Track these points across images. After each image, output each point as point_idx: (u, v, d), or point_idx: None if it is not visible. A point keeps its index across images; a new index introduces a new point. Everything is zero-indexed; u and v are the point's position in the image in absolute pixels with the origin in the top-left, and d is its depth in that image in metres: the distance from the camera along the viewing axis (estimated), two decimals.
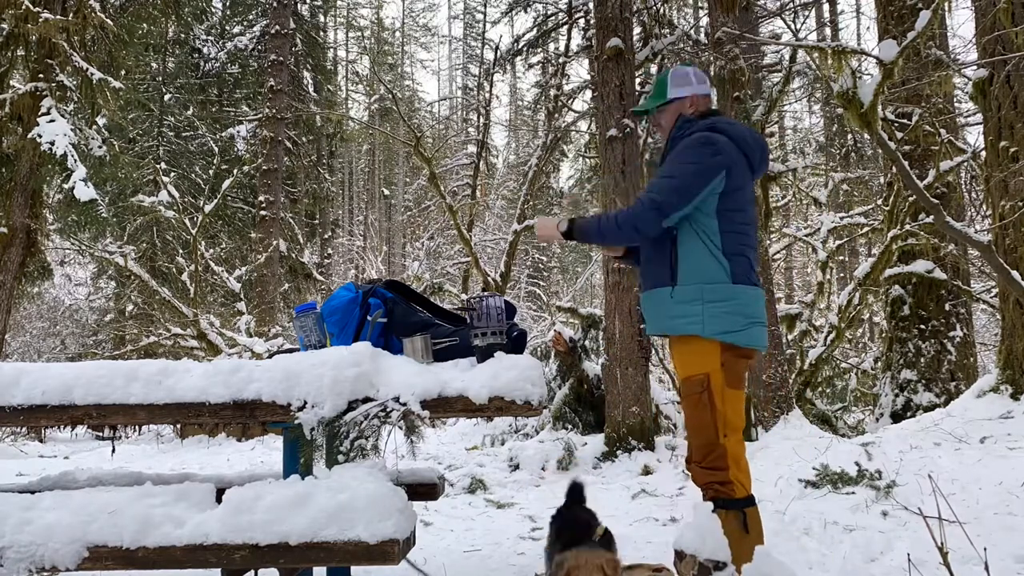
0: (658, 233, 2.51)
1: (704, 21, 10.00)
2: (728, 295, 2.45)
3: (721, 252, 2.47)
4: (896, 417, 7.13)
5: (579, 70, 28.74)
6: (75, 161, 8.70)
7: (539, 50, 12.88)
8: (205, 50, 19.53)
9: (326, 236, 23.41)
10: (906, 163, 4.19)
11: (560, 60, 12.78)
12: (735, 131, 2.56)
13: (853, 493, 3.98)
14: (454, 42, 36.56)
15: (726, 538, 2.30)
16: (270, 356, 2.67)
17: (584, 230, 2.66)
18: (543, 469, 6.28)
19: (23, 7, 8.41)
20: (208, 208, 12.47)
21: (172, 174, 16.33)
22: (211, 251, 16.23)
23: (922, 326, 7.36)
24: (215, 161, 15.29)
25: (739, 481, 2.42)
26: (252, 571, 2.52)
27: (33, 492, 2.37)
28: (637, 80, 8.26)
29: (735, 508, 2.39)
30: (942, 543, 1.61)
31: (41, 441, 11.74)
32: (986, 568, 1.76)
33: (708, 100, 2.71)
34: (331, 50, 27.98)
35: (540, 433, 7.48)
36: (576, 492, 2.66)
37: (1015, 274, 4.29)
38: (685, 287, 2.48)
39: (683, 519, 4.17)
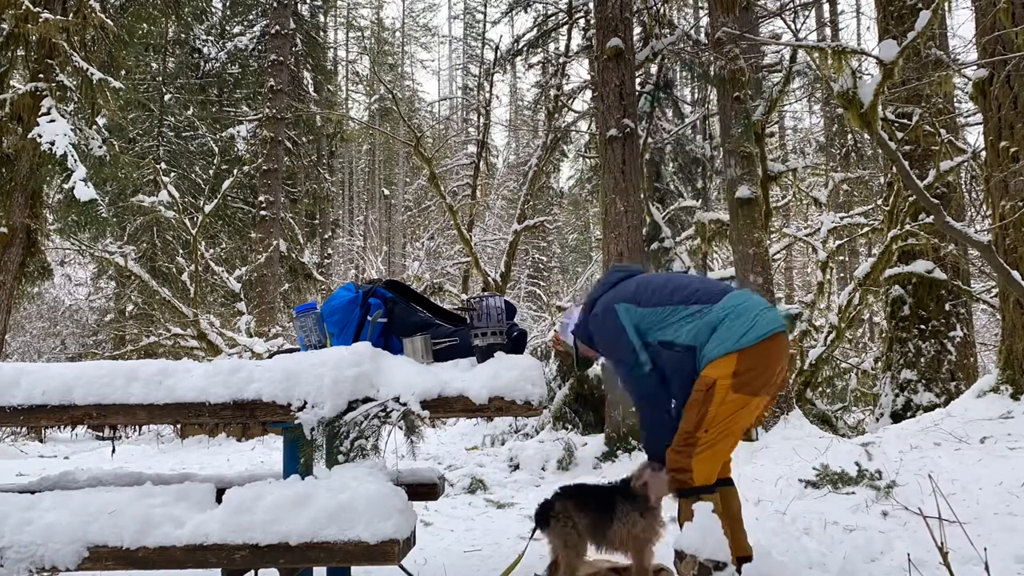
0: (655, 381, 2.66)
1: (704, 21, 10.01)
2: (719, 316, 2.54)
3: (687, 327, 2.57)
4: (896, 417, 7.13)
5: (579, 70, 28.78)
6: (75, 161, 8.70)
7: (539, 50, 12.88)
8: (205, 50, 19.53)
9: (326, 236, 23.41)
10: (906, 163, 4.19)
11: (560, 60, 12.78)
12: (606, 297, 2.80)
13: (853, 493, 3.98)
14: (454, 42, 36.58)
15: (725, 537, 2.33)
16: (270, 356, 2.67)
17: (649, 445, 2.77)
18: (543, 469, 6.28)
19: (23, 7, 8.41)
20: (208, 208, 12.46)
21: (172, 174, 16.32)
22: (211, 251, 16.23)
23: (922, 326, 7.36)
24: (215, 161, 15.30)
25: (699, 470, 2.52)
26: (252, 571, 2.52)
27: (33, 492, 2.37)
28: (637, 80, 8.27)
29: (690, 495, 2.51)
30: (942, 543, 1.61)
31: (41, 441, 11.74)
32: (986, 568, 1.76)
33: (583, 327, 2.90)
34: (331, 50, 27.98)
35: (540, 433, 7.48)
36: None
37: (1015, 274, 4.28)
38: (676, 354, 2.60)
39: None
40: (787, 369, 2.67)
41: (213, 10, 19.26)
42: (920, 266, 7.36)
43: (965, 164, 6.60)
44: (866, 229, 9.38)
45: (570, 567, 2.71)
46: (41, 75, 8.82)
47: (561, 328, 3.07)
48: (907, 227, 7.25)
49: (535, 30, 12.29)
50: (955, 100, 7.53)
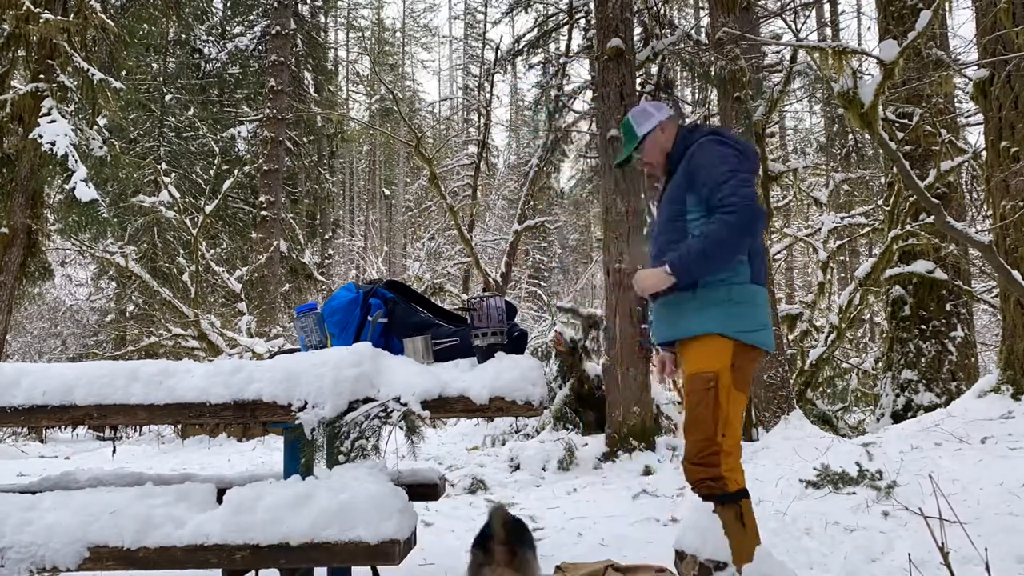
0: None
1: (705, 21, 10.01)
2: (751, 296, 2.47)
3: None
4: (897, 417, 7.13)
5: (579, 70, 28.78)
6: (76, 161, 8.70)
7: (540, 50, 12.88)
8: (206, 50, 19.54)
9: (327, 236, 23.41)
10: (907, 163, 4.19)
11: (561, 60, 12.77)
12: (737, 141, 2.59)
13: (854, 493, 3.98)
14: (455, 42, 36.59)
15: (725, 535, 2.32)
16: (271, 356, 2.67)
17: (685, 262, 2.39)
18: (544, 469, 6.28)
19: (24, 7, 8.42)
20: (209, 208, 12.47)
21: (173, 174, 16.32)
22: (212, 251, 16.23)
23: (923, 326, 7.36)
24: (216, 161, 15.31)
25: (732, 477, 2.41)
26: (253, 571, 2.52)
27: (34, 492, 2.37)
28: (638, 80, 8.27)
29: (731, 501, 2.38)
30: (943, 543, 1.61)
31: (42, 441, 11.74)
32: (987, 568, 1.76)
33: (675, 123, 2.69)
34: (332, 50, 28.00)
35: (541, 433, 7.48)
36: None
37: (1016, 274, 4.28)
38: (709, 290, 2.43)
39: (684, 520, 4.17)
40: None
41: (213, 10, 19.29)
42: (921, 266, 7.35)
43: (966, 164, 6.60)
44: (867, 229, 9.38)
45: None
46: (42, 75, 8.82)
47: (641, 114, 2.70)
48: (908, 227, 7.25)
49: (535, 30, 12.30)
50: (955, 100, 7.53)
